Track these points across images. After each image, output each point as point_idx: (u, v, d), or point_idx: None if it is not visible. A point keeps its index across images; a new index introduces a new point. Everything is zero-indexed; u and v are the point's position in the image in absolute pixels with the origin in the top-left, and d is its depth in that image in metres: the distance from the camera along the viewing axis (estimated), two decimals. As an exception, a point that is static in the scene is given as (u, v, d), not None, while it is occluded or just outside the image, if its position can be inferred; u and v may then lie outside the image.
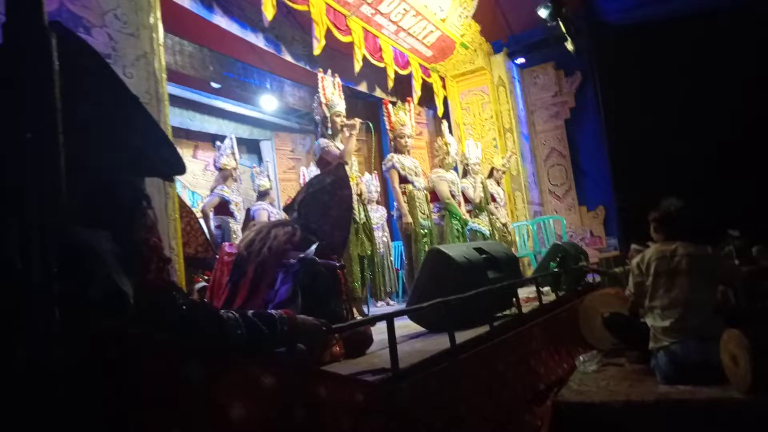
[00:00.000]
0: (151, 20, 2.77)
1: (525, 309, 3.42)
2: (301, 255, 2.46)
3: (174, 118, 6.95)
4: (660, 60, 6.93)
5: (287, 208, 2.94)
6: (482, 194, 6.13)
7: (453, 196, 5.59)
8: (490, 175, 6.71)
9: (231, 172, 5.89)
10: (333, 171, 3.25)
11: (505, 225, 6.54)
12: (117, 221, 1.11)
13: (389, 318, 1.91)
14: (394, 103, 5.44)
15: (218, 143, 6.17)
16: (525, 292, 4.27)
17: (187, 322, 1.22)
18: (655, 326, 2.94)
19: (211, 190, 5.96)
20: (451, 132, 6.02)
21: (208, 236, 5.02)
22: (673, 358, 2.80)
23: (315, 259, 2.46)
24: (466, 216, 5.68)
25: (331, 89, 4.33)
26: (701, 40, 6.48)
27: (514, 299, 3.28)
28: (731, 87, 6.31)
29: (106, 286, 0.98)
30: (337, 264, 2.57)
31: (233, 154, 5.94)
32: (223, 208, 5.74)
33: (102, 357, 0.99)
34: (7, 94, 0.97)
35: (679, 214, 3.08)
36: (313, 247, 2.53)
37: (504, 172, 6.91)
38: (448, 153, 5.76)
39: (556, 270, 4.54)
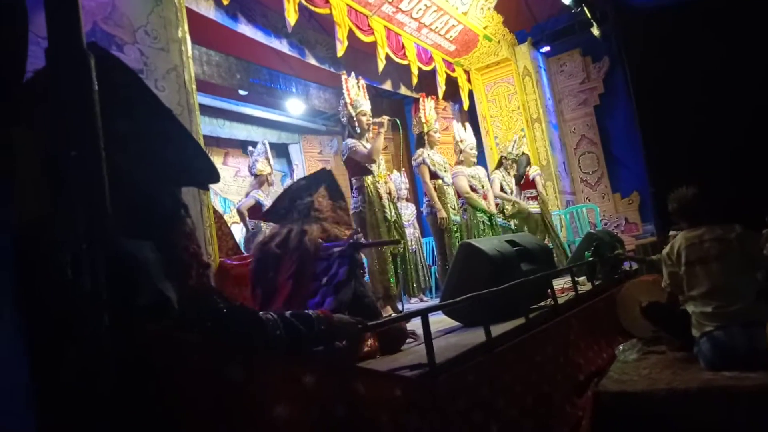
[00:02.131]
0: (180, 34, 2.85)
1: (560, 300, 3.39)
2: (348, 239, 2.60)
3: (204, 126, 7.08)
4: (690, 41, 6.73)
5: (271, 215, 3.02)
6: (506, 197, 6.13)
7: (474, 189, 5.56)
8: (500, 164, 6.60)
9: (267, 177, 5.99)
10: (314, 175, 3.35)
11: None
12: (159, 231, 1.16)
13: (424, 314, 1.93)
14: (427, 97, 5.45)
15: (250, 149, 6.29)
16: (560, 283, 4.22)
17: (227, 324, 1.26)
18: (696, 313, 2.88)
19: (247, 194, 6.10)
20: (465, 128, 5.97)
21: (236, 240, 5.14)
22: (717, 344, 2.74)
23: (361, 242, 2.60)
24: (492, 208, 5.65)
25: (355, 90, 4.38)
26: (732, 18, 6.27)
27: (549, 290, 3.25)
28: (766, 65, 6.09)
29: (152, 293, 1.03)
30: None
31: (267, 159, 6.04)
32: (256, 211, 5.86)
33: (149, 361, 1.04)
34: (51, 115, 1.03)
35: (697, 200, 3.02)
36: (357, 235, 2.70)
37: (517, 156, 6.64)
38: (461, 151, 5.75)
39: (590, 259, 4.48)
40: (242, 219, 5.90)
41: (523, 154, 6.68)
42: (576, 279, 3.82)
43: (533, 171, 6.64)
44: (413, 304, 5.02)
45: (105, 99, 1.09)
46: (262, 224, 5.84)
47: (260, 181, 5.98)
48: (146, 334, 1.04)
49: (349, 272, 2.46)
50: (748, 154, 6.08)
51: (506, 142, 7.77)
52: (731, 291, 2.77)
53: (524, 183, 6.55)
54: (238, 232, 6.47)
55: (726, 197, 3.14)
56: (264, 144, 6.12)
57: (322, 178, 3.05)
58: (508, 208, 6.11)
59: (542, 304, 3.33)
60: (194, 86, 2.91)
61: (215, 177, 1.45)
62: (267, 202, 5.87)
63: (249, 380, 1.18)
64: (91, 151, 1.02)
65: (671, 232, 4.29)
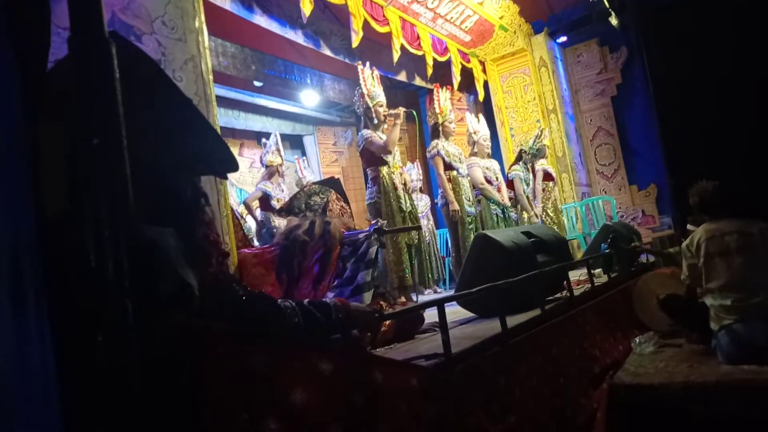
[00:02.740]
0: (197, 24, 2.86)
1: (576, 292, 3.37)
2: (373, 225, 2.91)
3: (219, 117, 7.10)
4: (710, 30, 6.61)
5: (286, 211, 3.41)
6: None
7: (489, 181, 5.54)
8: (519, 158, 6.52)
9: (277, 168, 6.02)
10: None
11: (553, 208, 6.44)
12: (180, 219, 1.17)
13: (440, 303, 1.94)
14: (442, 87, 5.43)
15: (264, 140, 6.31)
16: (576, 275, 4.20)
17: (247, 312, 1.27)
18: (715, 306, 2.84)
19: (256, 186, 6.15)
20: (478, 120, 5.94)
21: (244, 231, 5.20)
22: (735, 337, 2.71)
23: (383, 228, 2.87)
24: (505, 200, 5.62)
25: (370, 81, 4.37)
26: (751, 10, 6.14)
27: (565, 282, 3.24)
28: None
29: (174, 280, 1.04)
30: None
31: (278, 150, 6.07)
32: (265, 203, 5.89)
33: (173, 348, 1.05)
34: (74, 103, 1.04)
35: (719, 193, 2.98)
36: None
37: (538, 150, 6.63)
38: (474, 143, 5.72)
39: (606, 251, 4.45)
40: (250, 211, 5.94)
41: (542, 146, 6.63)
42: (592, 271, 3.79)
43: (539, 165, 6.55)
44: (427, 296, 5.02)
45: (126, 88, 1.10)
46: (271, 216, 5.87)
47: (270, 172, 6.01)
48: (171, 323, 1.05)
49: (377, 252, 2.79)
50: (766, 147, 5.97)
51: (522, 134, 7.73)
52: (752, 284, 2.74)
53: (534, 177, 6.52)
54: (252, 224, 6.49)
55: (743, 190, 3.09)
56: (275, 135, 6.15)
57: (332, 184, 3.48)
58: (525, 216, 6.06)
59: (558, 296, 3.32)
60: (211, 77, 2.92)
61: (234, 166, 1.45)
62: (275, 193, 5.90)
63: (270, 367, 1.20)
64: (113, 138, 1.03)
65: (689, 226, 4.24)
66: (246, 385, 1.17)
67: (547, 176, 6.59)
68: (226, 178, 2.81)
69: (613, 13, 7.16)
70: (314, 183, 3.61)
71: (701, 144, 6.40)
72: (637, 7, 7.35)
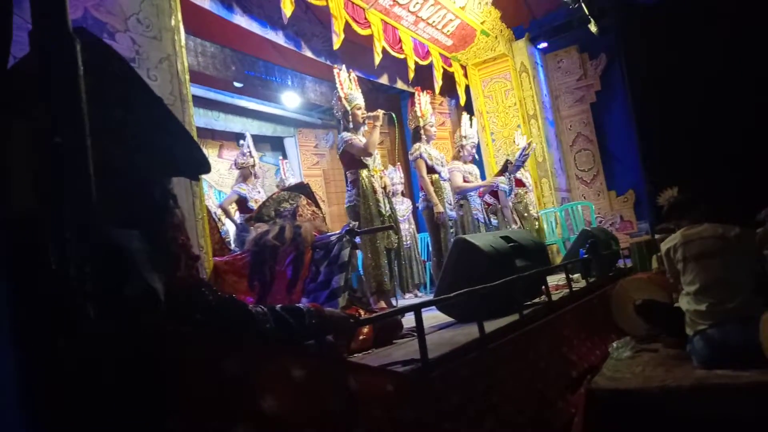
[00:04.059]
0: (173, 23, 2.81)
1: (555, 297, 3.38)
2: (345, 227, 2.89)
3: (199, 118, 7.05)
4: (687, 38, 6.73)
5: (256, 219, 3.40)
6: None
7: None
8: (505, 169, 6.44)
9: (249, 170, 5.97)
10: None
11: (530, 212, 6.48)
12: (147, 221, 1.14)
13: (417, 309, 1.91)
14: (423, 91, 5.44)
15: (242, 142, 6.26)
16: (554, 280, 4.22)
17: (216, 317, 1.24)
18: (690, 311, 2.87)
19: (231, 189, 6.10)
20: (471, 124, 5.96)
21: (221, 234, 5.15)
22: (710, 342, 2.73)
23: (355, 230, 2.87)
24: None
25: (348, 84, 4.34)
26: (729, 15, 6.26)
27: (544, 287, 3.24)
28: (763, 64, 6.08)
29: (138, 284, 1.01)
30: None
31: (250, 152, 6.03)
32: (242, 205, 5.84)
33: (140, 352, 1.02)
34: (36, 100, 1.00)
35: (686, 200, 3.04)
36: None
37: (523, 162, 6.66)
38: (463, 146, 5.73)
39: (585, 256, 4.48)
40: (227, 215, 5.91)
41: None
42: (571, 276, 3.81)
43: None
44: (407, 300, 5.01)
45: (94, 86, 1.07)
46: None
47: (244, 174, 5.97)
48: (137, 327, 1.01)
49: (350, 254, 2.72)
50: (743, 152, 6.09)
51: (502, 139, 7.77)
52: (728, 287, 2.77)
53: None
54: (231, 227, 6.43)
55: (720, 195, 3.14)
56: (247, 137, 6.11)
57: (302, 189, 3.46)
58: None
59: (536, 300, 3.32)
60: (187, 76, 2.87)
61: (206, 168, 1.42)
62: (251, 195, 5.85)
63: (241, 373, 1.17)
64: (76, 137, 0.99)
65: (656, 236, 4.29)
66: (216, 390, 1.14)
67: (519, 182, 6.64)
68: (198, 180, 2.77)
69: (592, 20, 7.24)
70: (283, 189, 3.60)
71: (678, 150, 6.51)
72: (615, 14, 7.46)
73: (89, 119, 1.02)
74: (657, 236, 4.01)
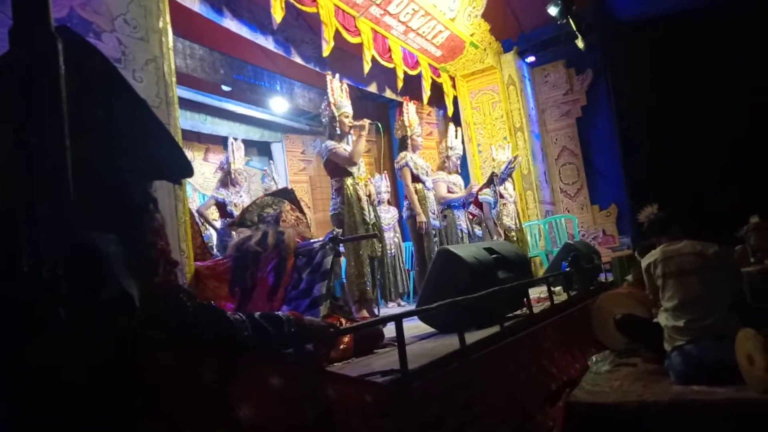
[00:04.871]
0: (161, 24, 2.79)
1: (536, 309, 3.39)
2: (328, 234, 2.85)
3: (185, 121, 7.00)
4: (672, 55, 6.84)
5: (238, 224, 3.35)
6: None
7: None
8: (490, 182, 6.38)
9: (227, 174, 5.94)
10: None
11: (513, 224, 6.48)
12: (125, 224, 1.12)
13: (398, 319, 1.91)
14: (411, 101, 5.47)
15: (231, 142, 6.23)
16: (536, 292, 4.24)
17: (194, 324, 1.22)
18: (668, 327, 2.90)
19: (210, 194, 6.08)
20: (456, 135, 5.99)
21: (203, 238, 5.11)
22: (687, 358, 2.76)
23: (338, 237, 2.84)
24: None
25: (338, 92, 4.35)
26: (714, 33, 6.38)
27: (525, 299, 3.25)
28: (746, 82, 6.20)
29: (113, 289, 0.99)
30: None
31: (227, 157, 6.01)
32: (222, 210, 5.79)
33: (114, 358, 1.00)
34: (14, 99, 0.98)
35: (662, 218, 3.08)
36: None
37: (508, 176, 6.69)
38: (448, 157, 5.76)
39: (567, 269, 4.51)
40: (205, 219, 5.85)
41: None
42: (552, 289, 3.83)
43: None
44: (390, 309, 4.99)
45: (76, 86, 1.05)
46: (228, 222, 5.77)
47: (222, 180, 5.94)
48: (112, 332, 1.00)
49: (333, 262, 2.68)
50: (726, 169, 6.18)
51: (488, 151, 7.80)
52: (706, 304, 2.80)
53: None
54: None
55: (702, 212, 3.19)
56: (230, 142, 6.09)
57: (286, 195, 3.43)
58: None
59: (518, 312, 3.33)
60: (174, 79, 2.85)
61: (188, 171, 1.40)
62: (232, 199, 5.80)
63: (217, 380, 1.15)
64: (54, 137, 0.97)
65: (636, 253, 4.32)
66: (191, 397, 1.12)
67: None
68: (179, 183, 2.74)
69: (579, 35, 7.33)
70: (267, 194, 3.56)
71: (661, 166, 6.60)
72: (601, 31, 7.56)
73: (69, 118, 1.01)
74: (637, 255, 4.05)
